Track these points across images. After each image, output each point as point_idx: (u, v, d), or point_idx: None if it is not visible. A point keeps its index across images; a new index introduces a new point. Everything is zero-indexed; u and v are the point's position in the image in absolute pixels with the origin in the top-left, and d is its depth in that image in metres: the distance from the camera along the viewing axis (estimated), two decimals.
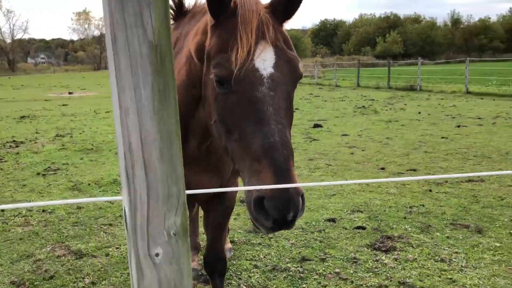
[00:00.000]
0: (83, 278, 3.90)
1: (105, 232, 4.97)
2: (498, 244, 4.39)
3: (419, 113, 15.48)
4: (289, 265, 4.04)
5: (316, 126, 12.95)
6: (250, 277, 3.86)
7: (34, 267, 4.13)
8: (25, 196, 6.35)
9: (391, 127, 12.48)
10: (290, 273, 3.90)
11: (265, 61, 1.80)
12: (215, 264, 2.99)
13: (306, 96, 23.91)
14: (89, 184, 6.91)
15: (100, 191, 6.59)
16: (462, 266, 3.97)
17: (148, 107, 0.87)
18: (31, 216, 5.53)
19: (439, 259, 4.11)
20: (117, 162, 8.32)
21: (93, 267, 4.08)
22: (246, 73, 1.77)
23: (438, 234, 4.70)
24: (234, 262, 4.13)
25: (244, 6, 1.85)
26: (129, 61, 0.85)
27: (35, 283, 3.84)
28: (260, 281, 3.76)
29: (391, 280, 3.72)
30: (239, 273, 3.93)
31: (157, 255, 0.92)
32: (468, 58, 23.97)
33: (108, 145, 10.35)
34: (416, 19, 79.79)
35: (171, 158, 0.90)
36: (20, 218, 5.46)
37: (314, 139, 10.84)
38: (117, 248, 4.53)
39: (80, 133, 12.35)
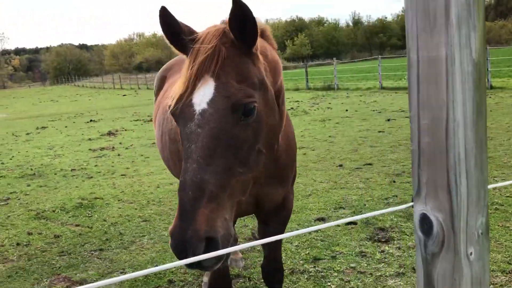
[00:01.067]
0: None
1: (99, 258, 4.75)
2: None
3: (347, 110, 16.29)
4: (305, 266, 4.16)
5: None
6: None
7: None
8: None
9: (327, 126, 13.03)
10: (311, 273, 4.02)
11: (201, 96, 1.75)
12: (274, 274, 3.03)
13: None
14: (54, 211, 6.51)
15: (70, 217, 6.24)
16: None
17: (470, 119, 0.96)
18: (7, 251, 5.12)
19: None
20: (71, 186, 7.93)
21: None
22: (183, 107, 1.78)
23: None
24: (252, 270, 4.17)
25: (201, 39, 1.84)
26: (461, 79, 0.94)
27: None
28: (286, 285, 3.83)
29: (405, 268, 3.98)
30: (262, 280, 3.97)
31: (471, 253, 1.01)
32: (380, 56, 25.64)
33: (50, 169, 9.76)
34: (320, 22, 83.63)
35: (481, 164, 1.00)
36: None
37: None
38: (122, 272, 4.36)
39: (11, 159, 11.50)
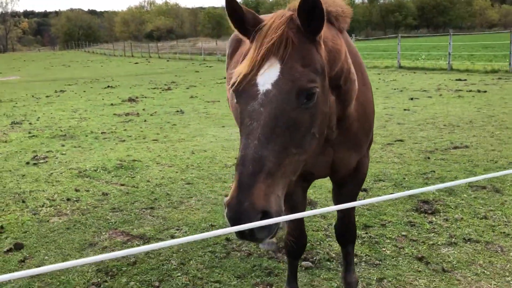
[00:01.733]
0: (169, 260, 3.88)
1: (152, 216, 4.91)
2: None
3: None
4: (357, 232, 4.30)
5: None
6: (331, 245, 4.07)
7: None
8: (34, 187, 6.01)
9: None
10: (364, 239, 4.17)
11: (266, 77, 1.83)
12: (347, 234, 3.16)
13: None
14: (95, 170, 6.67)
15: (113, 176, 6.39)
16: (505, 221, 4.45)
17: None
18: (59, 205, 5.29)
19: (482, 216, 4.57)
20: (106, 148, 8.08)
21: (170, 250, 4.07)
22: (246, 87, 1.86)
23: (464, 195, 5.18)
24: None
25: (268, 24, 1.92)
26: None
27: (122, 268, 3.77)
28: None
29: (455, 238, 4.11)
30: (318, 243, 4.13)
31: None
32: (400, 35, 25.34)
33: (79, 131, 9.91)
34: None
35: None
36: (49, 208, 5.21)
37: None
38: (178, 229, 4.52)
39: (38, 119, 11.65)
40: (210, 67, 33.05)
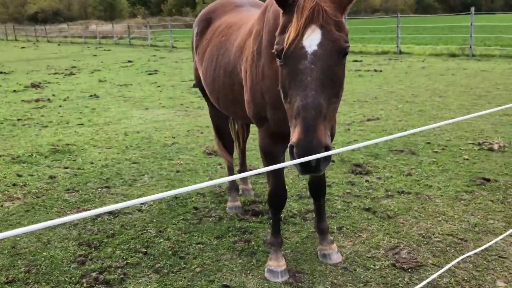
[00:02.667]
0: (146, 230, 4.11)
1: (111, 194, 5.02)
2: (434, 159, 5.86)
3: None
4: (307, 192, 4.84)
5: None
6: (290, 205, 4.56)
7: (93, 229, 4.14)
8: None
9: None
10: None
11: (311, 40, 2.19)
12: (319, 188, 3.61)
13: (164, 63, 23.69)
14: (30, 156, 6.50)
15: (52, 160, 6.29)
16: (425, 176, 5.29)
17: None
18: (7, 191, 5.17)
19: (407, 174, 5.37)
20: (30, 134, 7.84)
21: (144, 221, 4.28)
22: (295, 49, 2.22)
23: (388, 158, 5.98)
24: (262, 198, 4.76)
25: None
26: None
27: (103, 240, 3.92)
28: (295, 208, 4.50)
29: (391, 191, 4.83)
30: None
31: None
32: (399, 15, 25.48)
33: None
34: None
35: None
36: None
37: None
38: (142, 204, 4.72)
39: None
40: (108, 50, 31.88)
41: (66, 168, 5.96)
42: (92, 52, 30.87)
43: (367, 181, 5.17)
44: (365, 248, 3.71)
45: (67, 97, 12.07)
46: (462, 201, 4.54)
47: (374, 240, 3.82)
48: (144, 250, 3.75)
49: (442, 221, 4.13)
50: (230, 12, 4.16)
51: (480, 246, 3.54)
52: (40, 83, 15.01)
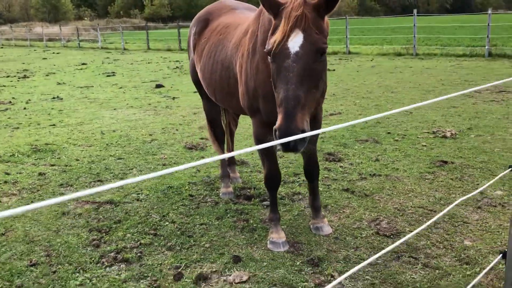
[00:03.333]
0: (150, 215, 4.44)
1: None
2: (396, 147, 6.51)
3: None
4: (292, 178, 5.32)
5: None
6: None
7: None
8: None
9: None
10: (299, 182, 5.20)
11: (294, 42, 2.65)
12: (313, 170, 4.03)
13: (109, 65, 23.48)
14: (12, 155, 6.60)
15: (36, 159, 6.42)
16: (391, 161, 5.91)
17: None
18: (0, 187, 5.31)
19: (375, 159, 5.97)
20: (3, 135, 7.77)
21: (145, 208, 4.60)
22: (281, 50, 2.68)
23: (356, 147, 6.57)
24: (251, 184, 5.19)
25: (290, 5, 2.72)
26: None
27: (112, 226, 4.23)
28: (279, 192, 4.97)
29: (363, 174, 5.40)
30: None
31: None
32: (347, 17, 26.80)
33: None
34: None
35: None
36: None
37: None
38: (139, 193, 5.03)
39: None
40: (57, 53, 31.13)
41: (52, 165, 6.14)
42: (40, 55, 30.06)
43: (341, 166, 5.73)
44: (350, 221, 4.23)
45: (29, 100, 11.97)
46: (426, 180, 5.17)
47: (357, 215, 4.36)
48: (153, 232, 4.10)
49: (412, 196, 4.74)
50: (227, 13, 4.58)
51: (446, 215, 4.16)
52: None
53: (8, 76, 17.86)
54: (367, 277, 3.36)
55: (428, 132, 7.20)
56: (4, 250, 3.85)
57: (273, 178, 3.84)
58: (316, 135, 4.00)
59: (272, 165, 3.80)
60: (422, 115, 8.42)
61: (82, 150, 6.84)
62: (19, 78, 17.27)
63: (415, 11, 20.05)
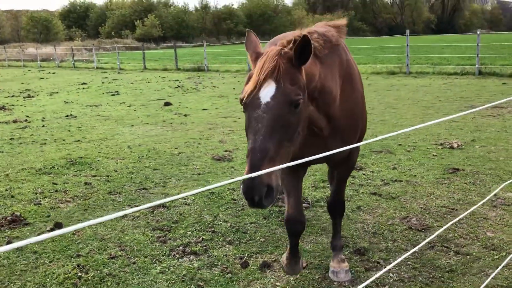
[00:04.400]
0: (202, 216, 4.92)
1: (152, 194, 5.76)
2: (409, 157, 7.10)
3: (234, 88, 18.09)
4: (320, 184, 5.85)
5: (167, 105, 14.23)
6: (317, 194, 5.54)
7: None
8: (3, 185, 6.22)
9: (230, 101, 14.66)
10: (328, 188, 5.73)
11: (266, 92, 2.48)
12: (338, 207, 3.84)
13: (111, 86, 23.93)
14: (52, 168, 7.04)
15: (76, 171, 6.87)
16: (407, 169, 6.48)
17: None
18: (54, 195, 5.75)
19: (392, 167, 6.54)
20: (33, 151, 8.22)
21: (196, 211, 5.09)
22: (252, 99, 2.51)
23: (372, 157, 7.15)
24: None
25: (265, 55, 2.60)
26: None
27: (172, 225, 4.70)
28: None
29: (386, 180, 5.96)
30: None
31: None
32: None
33: None
34: (166, 4, 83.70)
35: None
36: (47, 199, 5.65)
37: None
38: (185, 198, 5.52)
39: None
40: (53, 73, 31.53)
41: (94, 176, 6.59)
42: (36, 75, 30.44)
43: (363, 174, 6.28)
44: (384, 219, 4.77)
45: (44, 118, 12.38)
46: (443, 185, 5.75)
47: (388, 214, 4.90)
48: (210, 230, 4.59)
49: (434, 198, 5.30)
50: None
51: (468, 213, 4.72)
52: (4, 106, 15.07)
53: (12, 96, 18.21)
54: (408, 263, 3.89)
55: (436, 144, 7.81)
56: (82, 246, 4.30)
57: (293, 221, 3.49)
58: (349, 166, 3.69)
59: (295, 205, 3.49)
60: (427, 129, 9.04)
61: (117, 163, 7.30)
62: (24, 97, 17.65)
63: (407, 31, 20.96)
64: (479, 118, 9.88)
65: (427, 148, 7.56)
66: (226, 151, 7.90)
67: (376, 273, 3.63)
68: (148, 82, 22.63)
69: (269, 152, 2.37)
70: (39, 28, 68.10)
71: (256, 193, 2.28)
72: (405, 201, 5.26)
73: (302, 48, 2.51)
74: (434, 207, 5.03)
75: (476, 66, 18.48)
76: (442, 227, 4.49)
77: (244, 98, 2.56)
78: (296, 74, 2.57)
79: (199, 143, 8.60)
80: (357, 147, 3.67)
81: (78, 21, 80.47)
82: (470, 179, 5.91)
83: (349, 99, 3.25)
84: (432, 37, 45.98)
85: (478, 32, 18.99)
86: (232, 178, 6.10)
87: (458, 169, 6.32)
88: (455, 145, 7.60)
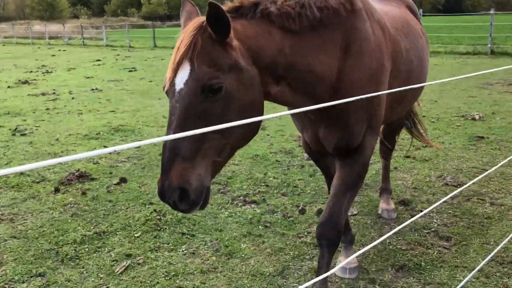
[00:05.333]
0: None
1: None
2: (435, 127, 7.51)
3: None
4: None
5: None
6: None
7: None
8: (59, 147, 6.66)
9: None
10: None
11: (181, 78, 2.03)
12: (328, 232, 2.80)
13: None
14: (97, 134, 7.47)
15: (121, 136, 7.30)
16: (435, 137, 6.90)
17: None
18: (118, 155, 6.20)
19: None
20: (71, 121, 8.50)
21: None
22: (169, 88, 2.09)
23: None
24: None
25: (185, 30, 2.12)
26: None
27: (227, 181, 5.15)
28: None
29: (416, 146, 6.38)
30: None
31: None
32: None
33: (19, 110, 10.03)
34: None
35: None
36: (112, 155, 6.10)
37: None
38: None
39: None
40: (64, 50, 31.77)
41: (141, 141, 7.02)
42: (47, 52, 30.68)
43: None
44: (421, 177, 5.23)
45: (70, 91, 12.77)
46: (471, 150, 6.19)
47: (424, 173, 5.35)
48: (264, 184, 5.05)
49: (464, 161, 5.75)
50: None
51: (497, 171, 5.17)
52: (27, 80, 15.44)
53: (31, 72, 18.56)
54: (449, 211, 4.35)
55: (457, 116, 8.22)
56: (152, 196, 4.77)
57: (323, 227, 2.81)
58: (360, 156, 2.78)
59: (327, 204, 2.87)
60: (446, 103, 9.45)
61: (158, 130, 7.73)
62: (42, 73, 18.01)
63: (421, 10, 21.17)
64: (496, 94, 10.27)
65: (450, 119, 7.97)
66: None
67: (421, 218, 4.10)
68: (162, 59, 22.90)
69: (180, 150, 1.98)
70: (44, 6, 68.05)
71: (168, 198, 1.98)
72: (437, 163, 5.70)
73: (215, 18, 2.01)
74: (465, 168, 5.48)
75: (489, 45, 18.78)
76: (475, 182, 4.94)
77: (165, 86, 2.12)
78: (217, 51, 2.06)
79: None
80: (368, 144, 2.77)
81: None
82: (495, 146, 6.35)
83: (354, 85, 2.56)
84: (437, 17, 45.90)
85: (492, 12, 19.27)
86: (270, 144, 6.54)
87: (482, 137, 6.74)
88: (476, 117, 8.01)
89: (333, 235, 2.76)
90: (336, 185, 2.78)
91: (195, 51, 2.02)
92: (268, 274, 3.36)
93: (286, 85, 2.38)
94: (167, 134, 2.00)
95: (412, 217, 4.22)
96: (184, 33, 2.10)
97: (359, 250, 1.88)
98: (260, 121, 2.31)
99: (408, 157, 5.95)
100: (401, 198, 4.65)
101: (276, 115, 1.54)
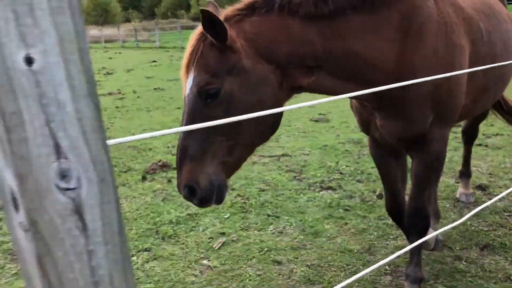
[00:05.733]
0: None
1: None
2: None
3: None
4: None
5: None
6: None
7: None
8: (139, 125, 7.11)
9: None
10: None
11: (189, 84, 2.13)
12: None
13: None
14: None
15: None
16: (505, 125, 6.82)
17: None
18: None
19: (490, 124, 6.91)
20: (144, 116, 9.08)
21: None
22: (184, 91, 2.18)
23: None
24: None
25: (191, 35, 2.18)
26: None
27: (302, 169, 5.37)
28: None
29: (487, 135, 6.36)
30: None
31: None
32: None
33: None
34: None
35: None
36: None
37: None
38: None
39: None
40: (119, 53, 33.04)
41: None
42: (104, 55, 32.00)
43: None
44: (496, 164, 5.31)
45: (134, 91, 13.38)
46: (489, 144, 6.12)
47: (499, 159, 5.40)
48: (337, 172, 5.24)
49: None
50: None
51: None
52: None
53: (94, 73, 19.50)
54: None
55: None
56: (233, 183, 5.05)
57: (394, 215, 3.17)
58: (429, 149, 2.61)
59: (390, 197, 3.14)
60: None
61: None
62: (104, 74, 18.89)
63: None
64: None
65: None
66: (320, 114, 8.49)
67: (501, 201, 4.16)
68: None
69: (188, 151, 2.09)
70: (99, 11, 70.82)
71: (181, 194, 2.16)
72: (511, 150, 5.68)
73: (209, 25, 2.00)
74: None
75: None
76: None
77: (184, 92, 2.20)
78: (215, 57, 2.09)
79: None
80: (439, 136, 2.57)
81: (133, 3, 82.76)
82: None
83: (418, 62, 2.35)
84: None
85: None
86: (337, 135, 6.70)
87: (497, 134, 6.54)
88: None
89: (422, 224, 2.80)
90: (412, 176, 2.76)
91: (195, 58, 2.10)
92: (355, 251, 3.56)
93: (325, 73, 2.28)
94: (180, 137, 2.15)
95: (489, 200, 4.31)
96: (190, 40, 2.16)
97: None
98: (280, 116, 2.28)
99: (480, 145, 5.95)
100: (478, 183, 4.71)
101: (288, 108, 1.43)
